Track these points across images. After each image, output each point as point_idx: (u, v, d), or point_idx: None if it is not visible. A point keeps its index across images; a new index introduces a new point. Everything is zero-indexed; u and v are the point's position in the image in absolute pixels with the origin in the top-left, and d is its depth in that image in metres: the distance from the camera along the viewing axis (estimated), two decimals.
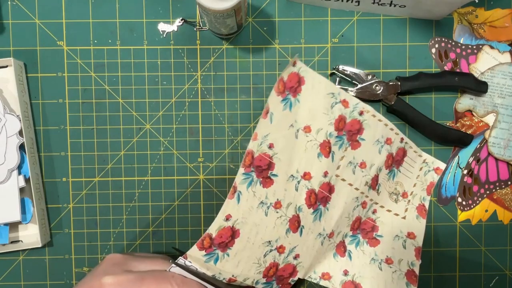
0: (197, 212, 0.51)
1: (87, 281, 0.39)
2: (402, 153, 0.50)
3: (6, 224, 0.49)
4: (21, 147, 0.48)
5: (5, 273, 0.51)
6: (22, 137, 0.48)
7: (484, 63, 0.50)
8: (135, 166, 0.51)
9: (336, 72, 0.49)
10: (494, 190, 0.51)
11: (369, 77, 0.49)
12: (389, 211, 0.50)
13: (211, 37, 0.50)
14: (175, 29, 0.50)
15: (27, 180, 0.49)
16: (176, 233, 0.51)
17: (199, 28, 0.50)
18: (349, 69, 0.49)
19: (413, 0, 0.46)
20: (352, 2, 0.48)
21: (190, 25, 0.50)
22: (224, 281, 0.43)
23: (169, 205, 0.51)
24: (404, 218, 0.50)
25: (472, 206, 0.51)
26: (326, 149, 0.46)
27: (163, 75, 0.50)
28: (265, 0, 0.50)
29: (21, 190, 0.49)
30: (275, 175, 0.45)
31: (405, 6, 0.48)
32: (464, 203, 0.51)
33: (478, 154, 0.51)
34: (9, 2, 0.50)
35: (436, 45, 0.51)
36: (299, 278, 0.48)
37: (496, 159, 0.51)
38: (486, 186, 0.51)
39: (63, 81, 0.50)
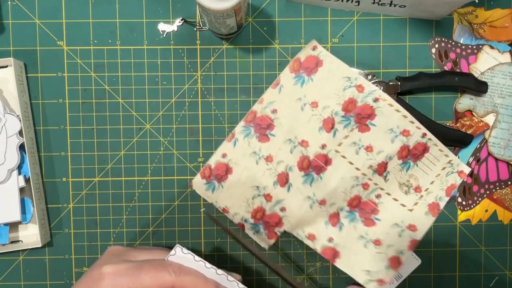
0: (197, 212, 0.51)
1: (88, 272, 0.40)
2: (423, 148, 0.49)
3: (6, 224, 0.49)
4: (21, 147, 0.48)
5: (5, 273, 0.51)
6: (22, 137, 0.48)
7: (484, 63, 0.50)
8: (135, 166, 0.51)
9: None
10: (494, 190, 0.51)
11: (369, 77, 0.49)
12: (395, 200, 0.50)
13: (211, 37, 0.50)
14: (175, 29, 0.50)
15: (27, 180, 0.49)
16: (176, 233, 0.51)
17: (199, 28, 0.50)
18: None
19: (413, 0, 0.46)
20: (352, 2, 0.48)
21: (190, 25, 0.50)
22: (219, 209, 0.49)
23: (169, 205, 0.51)
24: (410, 210, 0.50)
25: (472, 206, 0.51)
26: (328, 125, 0.48)
27: (163, 75, 0.50)
28: (265, 0, 0.50)
29: (21, 190, 0.49)
30: (272, 135, 0.49)
31: (405, 6, 0.48)
32: (464, 203, 0.51)
33: (478, 154, 0.51)
34: (9, 2, 0.50)
35: (436, 45, 0.51)
36: (295, 273, 0.48)
37: (496, 159, 0.51)
38: (486, 186, 0.51)
39: (63, 81, 0.50)
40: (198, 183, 0.49)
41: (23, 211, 0.49)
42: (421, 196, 0.50)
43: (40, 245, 0.48)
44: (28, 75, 0.50)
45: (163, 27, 0.50)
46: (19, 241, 0.50)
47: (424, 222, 0.50)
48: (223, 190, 0.49)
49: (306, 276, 0.52)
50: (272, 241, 0.49)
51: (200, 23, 0.50)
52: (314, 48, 0.48)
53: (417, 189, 0.50)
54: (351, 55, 0.50)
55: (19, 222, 0.50)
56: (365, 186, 0.49)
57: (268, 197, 0.49)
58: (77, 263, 0.51)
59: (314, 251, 0.50)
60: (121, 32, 0.50)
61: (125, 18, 0.50)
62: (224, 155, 0.49)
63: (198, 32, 0.50)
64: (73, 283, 0.51)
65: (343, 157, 0.49)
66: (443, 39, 0.51)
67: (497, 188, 0.51)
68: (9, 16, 0.50)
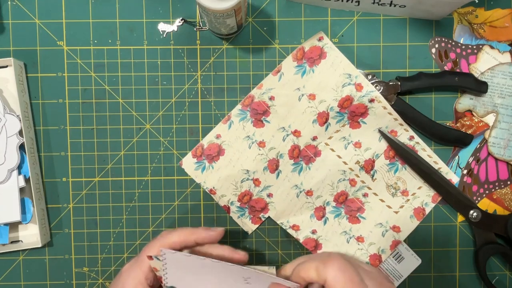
0: (197, 212, 0.51)
1: None
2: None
3: (6, 224, 0.49)
4: (21, 147, 0.48)
5: (5, 273, 0.51)
6: (22, 137, 0.48)
7: (484, 63, 0.50)
8: (135, 166, 0.51)
9: None
10: (493, 190, 0.51)
11: (369, 77, 0.49)
12: (382, 201, 0.51)
13: (211, 37, 0.50)
14: (175, 29, 0.50)
15: (27, 180, 0.49)
16: None
17: (199, 28, 0.50)
18: None
19: (413, 0, 0.46)
20: (352, 2, 0.48)
21: (190, 25, 0.50)
22: (207, 190, 0.50)
23: (169, 205, 0.51)
24: (396, 212, 0.50)
25: None
26: (322, 119, 0.49)
27: (163, 75, 0.50)
28: (265, 0, 0.50)
29: (21, 190, 0.49)
30: (267, 121, 0.50)
31: (405, 6, 0.48)
32: None
33: (478, 154, 0.51)
34: (9, 2, 0.50)
35: (436, 45, 0.51)
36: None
37: (496, 159, 0.51)
38: (486, 186, 0.51)
39: (63, 81, 0.50)
40: (188, 161, 0.50)
41: (23, 211, 0.49)
42: (408, 200, 0.51)
43: (40, 245, 0.48)
44: (28, 75, 0.50)
45: (163, 27, 0.50)
46: (19, 241, 0.50)
47: (408, 225, 0.50)
48: (212, 171, 0.50)
49: None
50: (255, 226, 0.51)
51: (200, 23, 0.50)
52: (320, 39, 0.49)
53: (404, 192, 0.50)
54: (351, 55, 0.50)
55: (19, 222, 0.50)
56: (352, 182, 0.50)
57: (256, 182, 0.50)
58: (77, 263, 0.51)
59: (313, 252, 0.50)
60: (121, 32, 0.50)
61: (125, 18, 0.50)
62: (218, 136, 0.50)
63: (198, 32, 0.50)
64: (73, 283, 0.51)
65: (332, 150, 0.50)
66: (443, 39, 0.51)
67: (497, 188, 0.51)
68: (9, 16, 0.50)
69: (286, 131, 0.50)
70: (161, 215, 0.51)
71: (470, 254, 0.52)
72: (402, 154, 0.49)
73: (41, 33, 0.50)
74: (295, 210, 0.50)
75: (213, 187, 0.50)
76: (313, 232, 0.50)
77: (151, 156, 0.51)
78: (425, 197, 0.50)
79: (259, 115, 0.50)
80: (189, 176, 0.51)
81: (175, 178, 0.51)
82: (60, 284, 0.51)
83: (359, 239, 0.50)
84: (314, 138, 0.50)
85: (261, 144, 0.50)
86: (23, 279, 0.51)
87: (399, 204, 0.50)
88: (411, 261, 0.51)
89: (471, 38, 0.51)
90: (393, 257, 0.51)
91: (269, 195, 0.50)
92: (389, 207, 0.51)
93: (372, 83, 0.49)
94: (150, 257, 0.40)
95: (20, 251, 0.51)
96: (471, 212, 0.49)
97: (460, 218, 0.51)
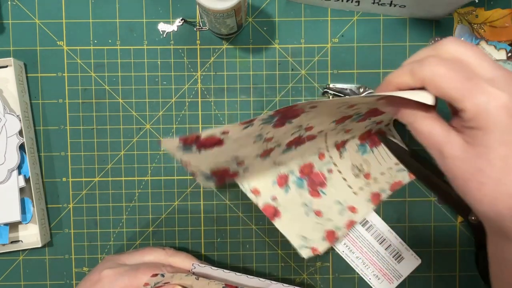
0: (197, 212, 0.51)
1: (87, 276, 0.42)
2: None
3: (6, 224, 0.49)
4: (21, 147, 0.48)
5: (5, 273, 0.51)
6: (22, 137, 0.48)
7: None
8: (135, 166, 0.51)
9: (329, 91, 0.50)
10: None
11: (361, 89, 0.49)
12: (344, 179, 0.50)
13: (211, 37, 0.50)
14: (175, 29, 0.50)
15: (27, 180, 0.49)
16: (176, 233, 0.51)
17: (199, 28, 0.50)
18: (340, 85, 0.50)
19: (413, 0, 0.46)
20: (352, 2, 0.48)
21: (190, 25, 0.50)
22: (180, 162, 0.43)
23: (169, 205, 0.51)
24: (355, 193, 0.50)
25: None
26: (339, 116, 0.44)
27: (163, 75, 0.50)
28: (265, 0, 0.50)
29: (21, 190, 0.49)
30: (290, 123, 0.42)
31: (405, 6, 0.48)
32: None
33: None
34: (9, 2, 0.50)
35: None
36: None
37: None
38: None
39: (63, 81, 0.50)
40: (169, 142, 0.38)
41: (23, 211, 0.49)
42: (368, 183, 0.50)
43: (40, 245, 0.48)
44: (28, 75, 0.50)
45: (163, 27, 0.50)
46: (19, 241, 0.50)
47: (365, 207, 0.50)
48: (197, 155, 0.40)
49: (306, 276, 0.52)
50: (220, 184, 0.49)
51: (200, 23, 0.50)
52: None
53: (367, 175, 0.50)
54: (351, 55, 0.50)
55: (19, 222, 0.50)
56: (321, 156, 0.50)
57: (240, 164, 0.45)
58: (77, 263, 0.51)
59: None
60: (121, 32, 0.50)
61: (125, 18, 0.50)
62: (224, 132, 0.43)
63: (198, 32, 0.50)
64: (73, 283, 0.51)
65: (320, 131, 0.46)
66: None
67: None
68: (9, 16, 0.50)
69: (301, 130, 0.45)
70: (161, 215, 0.51)
71: (470, 254, 0.52)
72: (400, 155, 0.49)
73: (41, 33, 0.50)
74: (259, 176, 0.48)
75: (189, 161, 0.41)
76: (273, 198, 0.49)
77: (151, 156, 0.51)
78: (384, 183, 0.50)
79: (286, 119, 0.42)
80: (189, 176, 0.51)
81: (175, 178, 0.51)
82: (60, 284, 0.51)
83: (318, 213, 0.49)
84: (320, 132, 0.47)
85: (269, 140, 0.44)
86: (23, 279, 0.51)
87: (359, 186, 0.50)
88: (411, 261, 0.51)
89: (471, 38, 0.51)
90: (393, 257, 0.51)
91: (240, 164, 0.45)
92: (349, 187, 0.50)
93: (367, 92, 0.49)
94: (156, 275, 0.40)
95: (20, 251, 0.51)
96: (471, 214, 0.49)
97: (460, 218, 0.51)
